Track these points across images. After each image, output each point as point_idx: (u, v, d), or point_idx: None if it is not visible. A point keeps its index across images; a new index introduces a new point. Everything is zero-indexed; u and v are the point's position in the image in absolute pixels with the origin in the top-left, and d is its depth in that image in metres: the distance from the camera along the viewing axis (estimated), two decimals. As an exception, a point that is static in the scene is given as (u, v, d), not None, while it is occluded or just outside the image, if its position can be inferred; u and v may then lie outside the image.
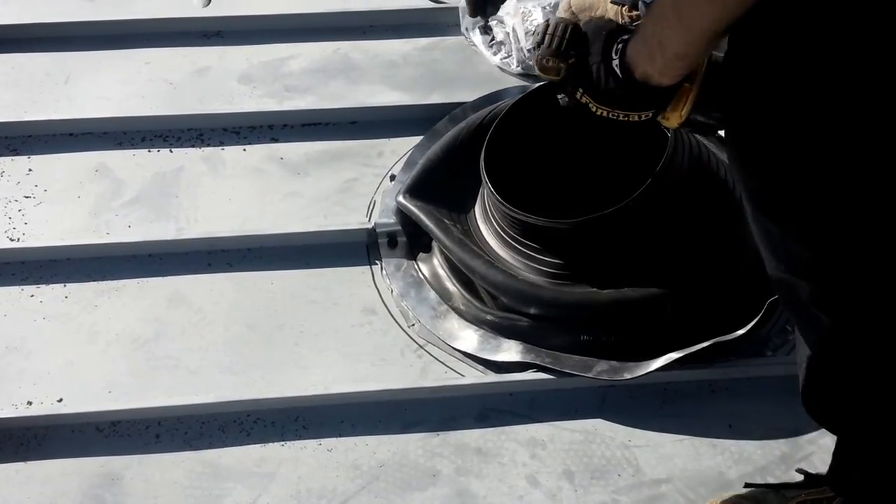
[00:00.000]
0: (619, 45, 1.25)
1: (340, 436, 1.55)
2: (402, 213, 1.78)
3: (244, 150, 1.94)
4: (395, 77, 2.08)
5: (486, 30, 2.14)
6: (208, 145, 1.95)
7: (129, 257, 1.77)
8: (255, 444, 1.55)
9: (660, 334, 1.58)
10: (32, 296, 1.72)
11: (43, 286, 1.73)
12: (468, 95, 1.94)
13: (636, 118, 1.30)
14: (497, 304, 1.66)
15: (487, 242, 1.69)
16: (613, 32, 1.26)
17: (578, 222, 1.55)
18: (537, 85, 1.69)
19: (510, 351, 1.62)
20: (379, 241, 1.78)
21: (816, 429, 1.47)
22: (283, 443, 1.55)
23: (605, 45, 1.26)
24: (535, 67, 1.36)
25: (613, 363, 1.57)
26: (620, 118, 1.31)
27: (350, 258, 1.78)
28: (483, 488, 1.49)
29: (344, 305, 1.72)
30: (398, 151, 1.93)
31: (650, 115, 1.30)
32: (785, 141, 1.11)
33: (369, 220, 1.81)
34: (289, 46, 2.13)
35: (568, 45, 1.30)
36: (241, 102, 2.03)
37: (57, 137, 1.96)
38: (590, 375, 1.57)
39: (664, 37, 1.15)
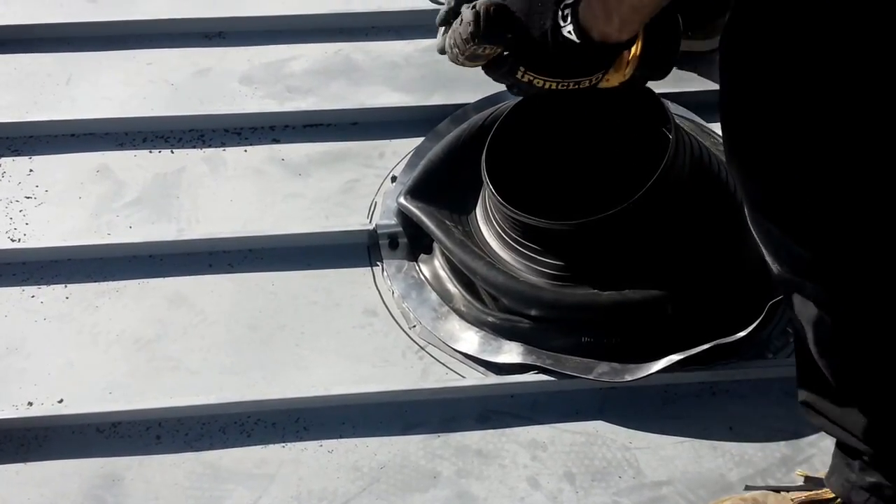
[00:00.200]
0: (566, 12, 1.22)
1: (341, 437, 1.55)
2: (403, 215, 1.77)
3: (245, 150, 1.94)
4: (397, 78, 2.08)
5: None
6: (209, 146, 1.95)
7: (130, 258, 1.77)
8: (255, 445, 1.54)
9: (661, 336, 1.58)
10: (33, 296, 1.72)
11: (44, 287, 1.73)
12: (470, 97, 1.94)
13: (587, 83, 1.28)
14: (498, 306, 1.66)
15: (489, 244, 1.68)
16: (550, 1, 1.23)
17: (580, 224, 1.55)
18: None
19: (511, 353, 1.62)
20: (380, 242, 1.78)
21: (817, 430, 1.47)
22: (283, 444, 1.54)
23: (551, 14, 1.23)
24: (459, 58, 1.32)
25: (614, 365, 1.57)
26: (570, 87, 1.28)
27: (351, 259, 1.78)
28: (484, 490, 1.49)
29: (345, 307, 1.71)
30: (400, 152, 1.93)
31: (599, 77, 1.28)
32: (784, 144, 1.11)
33: (370, 222, 1.81)
34: (290, 47, 2.13)
35: (500, 26, 1.25)
36: (242, 103, 2.03)
37: (58, 138, 1.96)
38: (591, 377, 1.57)
39: None
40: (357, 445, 1.54)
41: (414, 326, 1.69)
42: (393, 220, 1.79)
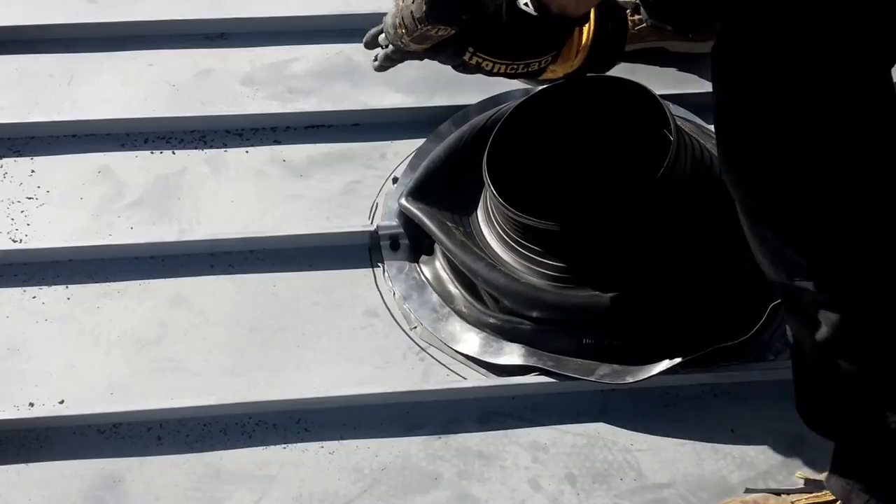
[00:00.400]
0: None
1: (342, 438, 1.55)
2: (404, 216, 1.77)
3: (247, 151, 1.94)
4: (398, 79, 2.07)
5: None
6: (211, 147, 1.95)
7: (131, 259, 1.77)
8: (256, 446, 1.54)
9: (662, 338, 1.58)
10: (34, 297, 1.72)
11: (45, 288, 1.73)
12: (471, 98, 1.94)
13: (535, 66, 1.25)
14: (499, 307, 1.66)
15: (490, 245, 1.68)
16: None
17: (581, 225, 1.55)
18: (541, 87, 1.69)
19: (512, 354, 1.62)
20: (381, 243, 1.78)
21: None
22: (284, 445, 1.54)
23: None
24: (403, 39, 1.24)
25: (616, 367, 1.57)
26: (519, 70, 1.25)
27: (352, 260, 1.77)
28: (485, 492, 1.49)
29: (346, 308, 1.71)
30: (401, 154, 1.93)
31: (547, 61, 1.25)
32: (780, 152, 1.11)
33: (372, 223, 1.81)
34: (292, 49, 2.13)
35: (455, 3, 1.20)
36: (243, 104, 2.02)
37: (60, 139, 1.96)
38: (592, 379, 1.56)
39: None
40: (358, 447, 1.54)
41: (415, 328, 1.69)
42: (394, 222, 1.79)
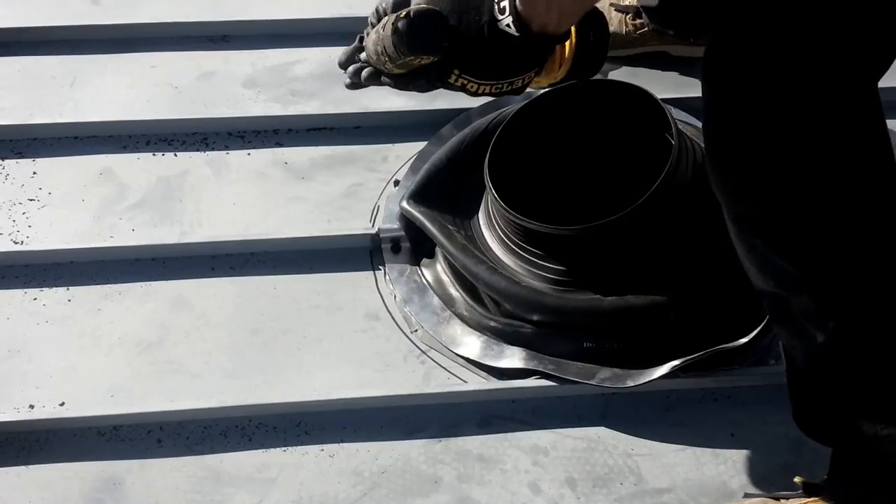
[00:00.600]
0: (503, 4, 1.18)
1: (342, 441, 1.55)
2: (405, 219, 1.77)
3: (248, 154, 1.94)
4: (400, 82, 2.07)
5: None
6: (213, 149, 1.95)
7: (132, 261, 1.77)
8: (256, 449, 1.54)
9: (663, 342, 1.57)
10: (35, 299, 1.72)
11: (46, 289, 1.73)
12: (473, 101, 1.93)
13: (519, 83, 1.25)
14: (500, 311, 1.66)
15: (491, 248, 1.68)
16: None
17: (582, 229, 1.55)
18: (542, 91, 1.69)
19: (513, 357, 1.62)
20: (382, 246, 1.78)
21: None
22: (284, 448, 1.54)
23: (487, 9, 1.18)
24: (387, 65, 1.23)
25: (616, 371, 1.57)
26: (504, 88, 1.25)
27: (353, 263, 1.77)
28: (485, 495, 1.49)
29: (347, 311, 1.71)
30: (403, 156, 1.93)
31: (531, 76, 1.25)
32: (769, 160, 1.11)
33: (373, 226, 1.81)
34: (294, 51, 2.13)
35: (433, 33, 1.18)
36: (245, 107, 2.02)
37: (62, 141, 1.96)
38: (593, 383, 1.56)
39: None
40: (358, 450, 1.54)
41: (416, 331, 1.69)
42: (395, 224, 1.79)
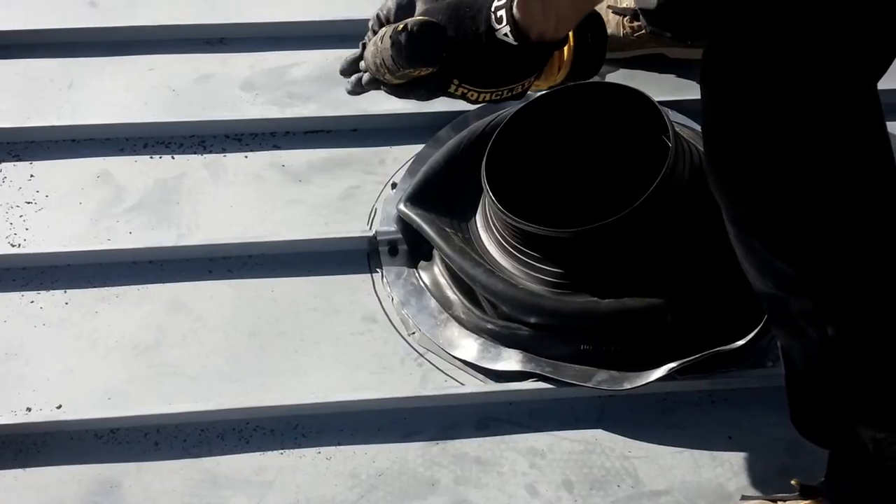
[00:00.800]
0: (499, 14, 1.18)
1: (339, 444, 1.55)
2: (402, 221, 1.77)
3: (246, 157, 1.94)
4: (398, 85, 2.07)
5: None
6: (210, 152, 1.95)
7: (129, 264, 1.77)
8: (253, 452, 1.54)
9: (660, 344, 1.57)
10: (33, 302, 1.72)
11: (43, 292, 1.73)
12: (470, 104, 1.93)
13: (519, 89, 1.25)
14: (497, 313, 1.66)
15: (488, 251, 1.68)
16: (479, 4, 1.18)
17: (579, 231, 1.55)
18: (539, 94, 1.69)
19: (510, 360, 1.62)
20: (380, 248, 1.78)
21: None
22: (281, 451, 1.54)
23: (484, 19, 1.18)
24: (385, 77, 1.24)
25: (613, 373, 1.57)
26: (504, 95, 1.26)
27: (351, 266, 1.77)
28: (482, 498, 1.49)
29: (344, 313, 1.71)
30: (400, 159, 1.93)
31: (531, 81, 1.25)
32: (768, 162, 1.11)
33: (370, 228, 1.81)
34: (292, 54, 2.13)
35: (432, 45, 1.19)
36: (243, 109, 2.02)
37: (59, 143, 1.96)
38: (590, 385, 1.56)
39: None
40: (355, 453, 1.54)
41: (413, 333, 1.69)
42: (393, 227, 1.79)
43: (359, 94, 1.41)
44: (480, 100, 1.25)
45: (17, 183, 1.90)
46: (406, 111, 1.99)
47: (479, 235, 1.71)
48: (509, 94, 1.26)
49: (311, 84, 2.08)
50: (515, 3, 1.16)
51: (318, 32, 2.16)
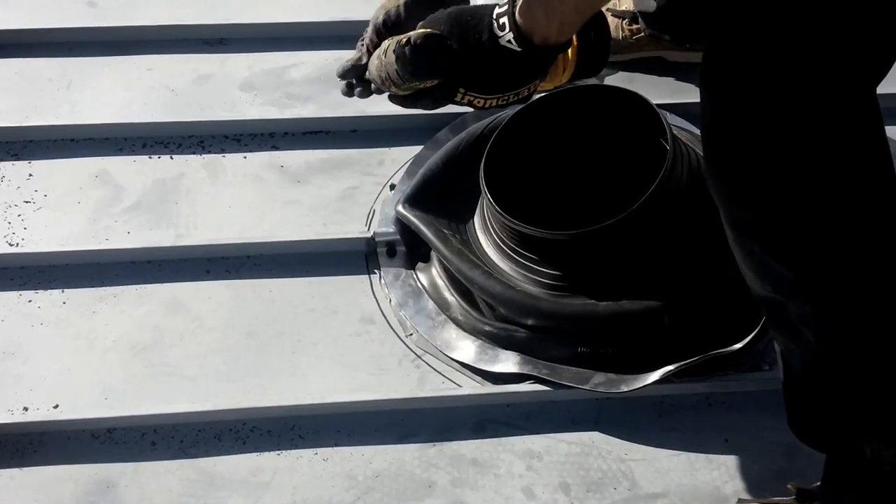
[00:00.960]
0: (501, 21, 1.18)
1: (336, 445, 1.55)
2: (401, 223, 1.77)
3: (244, 157, 1.94)
4: (397, 86, 2.07)
5: None
6: (209, 152, 1.95)
7: (127, 263, 1.77)
8: (250, 452, 1.54)
9: (657, 347, 1.57)
10: (30, 301, 1.72)
11: (41, 291, 1.73)
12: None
13: (525, 92, 1.26)
14: (495, 315, 1.66)
15: (486, 253, 1.68)
16: (480, 13, 1.18)
17: (577, 234, 1.55)
18: (538, 96, 1.69)
19: (507, 362, 1.62)
20: (378, 250, 1.78)
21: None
22: (278, 452, 1.54)
23: (486, 27, 1.18)
24: (391, 88, 1.24)
25: (611, 376, 1.57)
26: (511, 99, 1.26)
27: (349, 267, 1.78)
28: (479, 500, 1.49)
29: (342, 314, 1.71)
30: (399, 160, 1.93)
31: (537, 84, 1.25)
32: (767, 166, 1.11)
33: (368, 230, 1.81)
34: (291, 55, 2.13)
35: (436, 57, 1.19)
36: (242, 110, 2.02)
37: (58, 143, 1.96)
38: (587, 388, 1.56)
39: None
40: (352, 454, 1.54)
41: (411, 335, 1.69)
42: (391, 228, 1.79)
43: (357, 97, 1.41)
44: (487, 106, 1.25)
45: (16, 182, 1.90)
46: (405, 113, 1.95)
47: (478, 237, 1.71)
48: (515, 98, 1.26)
49: (309, 85, 2.08)
50: (518, 10, 1.16)
51: (318, 33, 2.16)
